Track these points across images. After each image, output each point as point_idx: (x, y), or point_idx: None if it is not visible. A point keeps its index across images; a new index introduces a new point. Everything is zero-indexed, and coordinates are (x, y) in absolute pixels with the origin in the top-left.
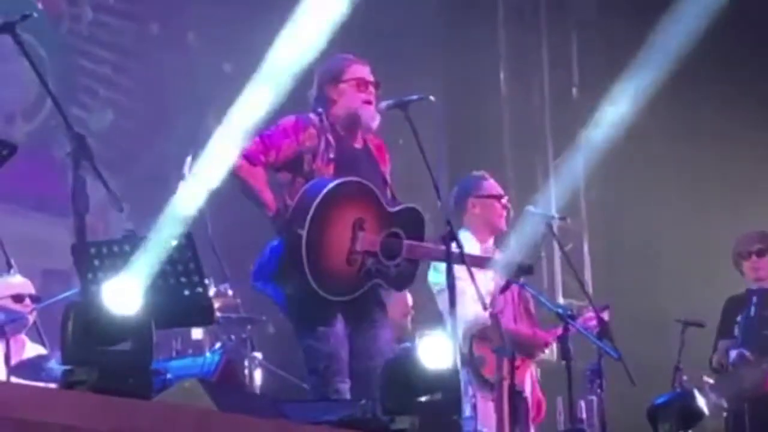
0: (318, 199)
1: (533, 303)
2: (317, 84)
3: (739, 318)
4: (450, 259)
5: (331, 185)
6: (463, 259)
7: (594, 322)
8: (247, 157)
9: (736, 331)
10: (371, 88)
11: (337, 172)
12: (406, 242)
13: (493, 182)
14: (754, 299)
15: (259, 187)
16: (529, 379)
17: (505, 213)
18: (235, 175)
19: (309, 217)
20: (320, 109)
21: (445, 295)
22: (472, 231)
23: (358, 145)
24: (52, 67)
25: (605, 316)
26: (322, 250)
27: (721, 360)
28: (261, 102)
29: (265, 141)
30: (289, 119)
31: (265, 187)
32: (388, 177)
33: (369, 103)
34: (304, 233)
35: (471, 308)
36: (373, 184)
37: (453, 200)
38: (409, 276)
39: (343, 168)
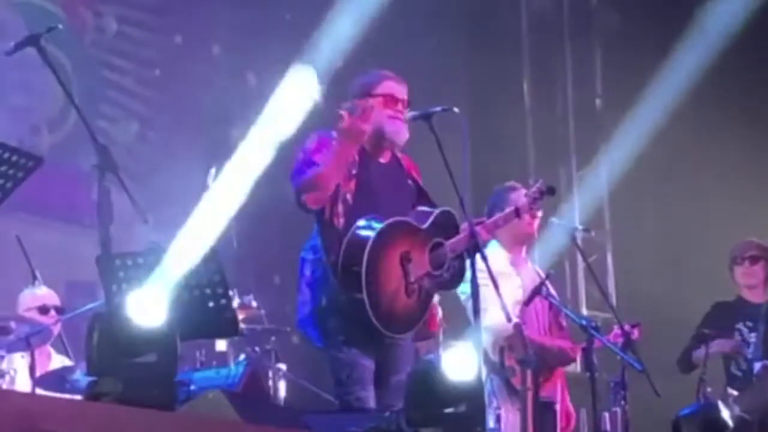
0: (365, 263)
1: (564, 315)
2: (351, 98)
3: (740, 326)
4: (474, 258)
5: (370, 245)
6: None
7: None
8: (302, 188)
9: (737, 338)
10: (400, 106)
11: (359, 188)
12: (446, 245)
13: (521, 193)
14: None
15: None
16: (560, 390)
17: (535, 222)
18: (308, 209)
19: (364, 282)
20: None
21: (471, 303)
22: (502, 242)
23: (383, 160)
24: (76, 79)
25: (635, 333)
26: (385, 302)
27: (726, 353)
28: (286, 113)
29: (305, 169)
30: (311, 140)
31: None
32: (421, 186)
33: (397, 119)
34: (364, 298)
35: (496, 318)
36: (400, 200)
37: (486, 212)
38: (460, 272)
39: (365, 184)
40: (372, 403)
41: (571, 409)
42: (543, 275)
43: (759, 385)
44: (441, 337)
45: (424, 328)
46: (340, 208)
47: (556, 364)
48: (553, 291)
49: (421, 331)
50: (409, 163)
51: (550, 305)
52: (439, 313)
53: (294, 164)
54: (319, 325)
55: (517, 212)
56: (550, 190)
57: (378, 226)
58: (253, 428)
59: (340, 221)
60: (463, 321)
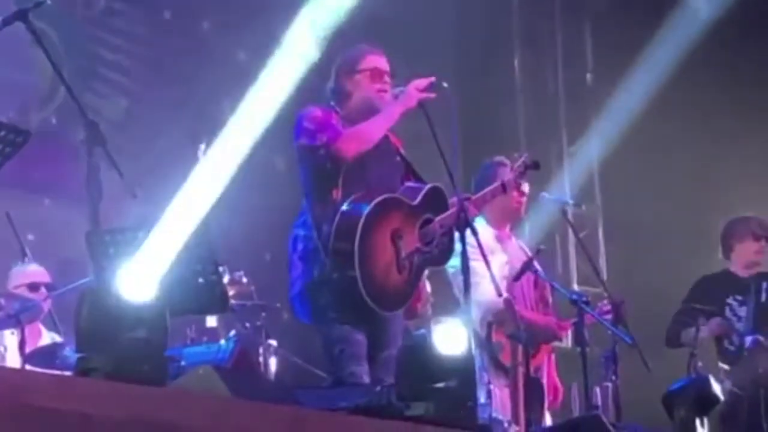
0: (357, 240)
1: (549, 290)
2: (334, 76)
3: (730, 300)
4: (463, 233)
5: (362, 222)
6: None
7: (609, 309)
8: (344, 138)
9: (729, 313)
10: (386, 78)
11: (352, 163)
12: (435, 220)
13: (508, 168)
14: (764, 284)
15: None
16: (545, 365)
17: (523, 200)
18: (342, 159)
19: (356, 260)
20: (332, 103)
21: (460, 278)
22: (488, 218)
23: None
24: (65, 55)
25: (622, 309)
26: (377, 279)
27: (710, 336)
28: (274, 90)
29: (314, 123)
30: (314, 109)
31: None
32: (409, 162)
33: (384, 92)
34: (357, 274)
35: (486, 292)
36: (391, 176)
37: (473, 187)
38: (449, 246)
39: (358, 160)
40: (366, 378)
41: (558, 383)
42: (528, 251)
43: (750, 360)
44: (429, 311)
45: (411, 306)
46: (341, 180)
47: (542, 340)
48: (538, 267)
49: (407, 309)
50: (395, 139)
51: (536, 281)
52: (428, 287)
53: (306, 125)
54: (310, 300)
55: (503, 187)
56: (535, 165)
57: (369, 203)
58: (243, 404)
59: (339, 194)
60: (450, 296)
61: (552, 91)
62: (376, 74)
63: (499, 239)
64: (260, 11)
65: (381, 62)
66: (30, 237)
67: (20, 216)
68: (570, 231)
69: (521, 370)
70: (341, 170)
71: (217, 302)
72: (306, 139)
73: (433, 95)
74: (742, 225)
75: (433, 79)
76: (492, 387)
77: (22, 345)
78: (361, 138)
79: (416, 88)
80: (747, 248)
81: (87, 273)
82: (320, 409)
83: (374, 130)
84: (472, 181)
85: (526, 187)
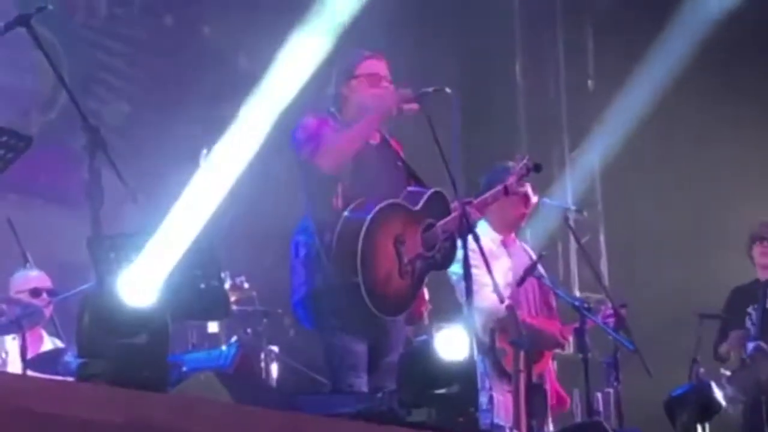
0: (360, 246)
1: (553, 296)
2: (333, 82)
3: (750, 309)
4: (466, 238)
5: (365, 229)
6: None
7: (611, 314)
8: (321, 152)
9: (749, 323)
10: (385, 83)
11: (355, 169)
12: (437, 225)
13: None
14: None
15: (341, 136)
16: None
17: (527, 212)
18: (322, 171)
19: (359, 265)
20: (332, 109)
21: (463, 284)
22: (491, 223)
23: (374, 141)
24: (67, 60)
25: (623, 313)
26: (380, 284)
27: (730, 350)
28: (277, 94)
29: (305, 134)
30: (309, 118)
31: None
32: (410, 167)
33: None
34: (359, 280)
35: (488, 299)
36: (394, 181)
37: (481, 190)
38: (452, 251)
39: (360, 166)
40: (364, 390)
41: (562, 390)
42: (534, 255)
43: (751, 366)
44: (427, 318)
45: (413, 311)
46: (339, 188)
47: (544, 347)
48: (543, 272)
49: (409, 315)
50: (395, 144)
51: (540, 285)
52: (426, 294)
53: (298, 135)
54: (313, 306)
55: (506, 190)
56: (537, 167)
57: (372, 209)
58: (245, 409)
59: (339, 201)
60: (451, 302)
61: (553, 96)
62: (374, 79)
63: (504, 244)
64: (261, 16)
65: (380, 67)
66: (32, 242)
67: (21, 220)
68: (572, 237)
69: (523, 376)
70: (336, 178)
71: (218, 308)
72: (296, 149)
73: (415, 107)
74: (752, 232)
75: (409, 91)
76: (494, 393)
77: (23, 350)
78: (336, 151)
79: (400, 99)
80: (757, 253)
81: (88, 278)
82: (321, 415)
83: (350, 141)
84: (480, 183)
85: (534, 199)
